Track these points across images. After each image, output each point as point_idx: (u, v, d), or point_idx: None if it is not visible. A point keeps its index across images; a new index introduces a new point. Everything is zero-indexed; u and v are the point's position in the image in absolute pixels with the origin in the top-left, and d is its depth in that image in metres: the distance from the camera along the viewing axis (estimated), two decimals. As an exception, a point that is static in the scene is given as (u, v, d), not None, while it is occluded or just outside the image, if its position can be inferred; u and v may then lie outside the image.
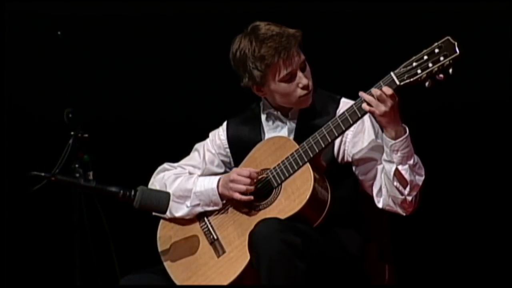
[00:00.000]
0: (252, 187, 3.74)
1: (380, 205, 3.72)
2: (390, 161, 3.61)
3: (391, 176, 3.62)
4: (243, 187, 3.74)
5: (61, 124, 3.64)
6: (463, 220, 4.72)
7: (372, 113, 3.59)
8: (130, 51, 4.93)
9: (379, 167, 3.71)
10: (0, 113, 4.88)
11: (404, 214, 3.71)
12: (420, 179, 3.64)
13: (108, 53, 4.93)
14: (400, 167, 3.60)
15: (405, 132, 3.59)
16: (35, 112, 4.95)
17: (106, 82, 4.95)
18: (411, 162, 3.60)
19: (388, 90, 3.56)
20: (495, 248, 4.68)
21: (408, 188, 3.63)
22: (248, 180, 3.74)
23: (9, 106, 4.90)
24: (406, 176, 3.61)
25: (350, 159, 3.79)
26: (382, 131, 3.64)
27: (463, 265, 4.72)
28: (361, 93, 3.60)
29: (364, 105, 3.59)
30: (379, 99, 3.55)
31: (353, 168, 3.80)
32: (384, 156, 3.64)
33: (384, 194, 3.69)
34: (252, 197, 3.75)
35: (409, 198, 3.64)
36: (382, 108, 3.55)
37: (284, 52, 3.72)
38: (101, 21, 4.89)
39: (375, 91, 3.57)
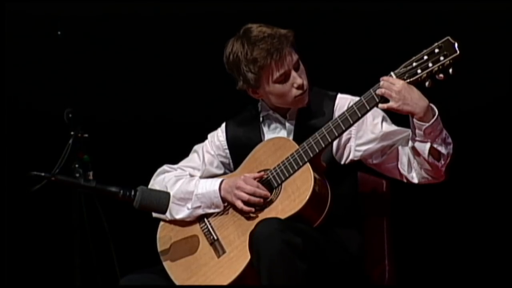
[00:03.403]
0: (256, 199, 3.74)
1: (415, 181, 3.71)
2: (423, 141, 3.61)
3: (426, 154, 3.61)
4: (246, 197, 3.74)
5: (61, 124, 3.63)
6: (464, 220, 4.71)
7: (388, 108, 3.60)
8: (130, 51, 4.92)
9: (398, 147, 3.71)
10: (0, 113, 4.88)
11: (438, 182, 3.72)
12: (450, 148, 3.65)
13: (108, 53, 4.92)
14: (435, 145, 3.60)
15: (435, 112, 3.59)
16: (35, 112, 4.95)
17: (106, 82, 4.95)
18: (443, 135, 3.62)
19: (386, 78, 3.59)
20: (495, 248, 4.68)
21: (443, 160, 3.64)
22: (254, 190, 3.74)
23: (9, 106, 4.90)
24: (442, 150, 3.61)
25: (358, 154, 3.78)
26: (411, 117, 3.62)
27: (463, 265, 4.72)
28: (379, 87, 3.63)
29: (381, 105, 3.60)
30: (385, 87, 3.57)
31: (370, 160, 3.78)
32: (416, 137, 3.61)
33: (416, 168, 3.69)
34: (253, 209, 3.75)
35: (443, 168, 3.66)
36: (395, 98, 3.55)
37: (276, 54, 3.72)
38: (101, 21, 4.88)
39: (381, 83, 3.59)
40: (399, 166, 3.74)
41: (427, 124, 3.57)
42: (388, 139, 3.74)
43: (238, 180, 3.78)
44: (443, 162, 3.64)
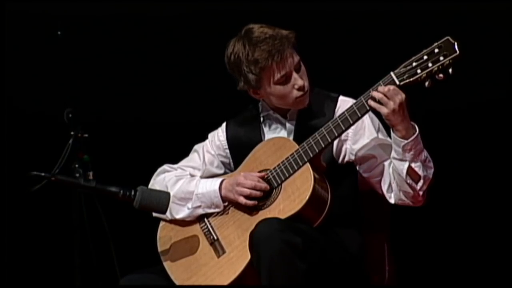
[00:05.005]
0: (257, 192, 3.74)
1: (392, 201, 3.73)
2: (402, 160, 3.61)
3: (404, 174, 3.62)
4: (248, 191, 3.75)
5: (61, 124, 3.63)
6: (464, 219, 4.72)
7: (379, 111, 3.59)
8: (130, 52, 4.93)
9: (386, 163, 3.72)
10: (0, 113, 4.88)
11: (416, 206, 3.72)
12: (430, 172, 3.65)
13: (108, 53, 4.93)
14: (413, 165, 3.61)
15: (415, 130, 3.59)
16: (35, 112, 4.95)
17: (106, 82, 4.95)
18: (422, 157, 3.61)
19: (391, 86, 3.56)
20: (496, 248, 4.68)
21: (421, 183, 3.64)
22: (254, 184, 3.74)
23: (9, 106, 4.90)
24: (420, 172, 3.62)
25: (352, 157, 3.79)
26: (392, 131, 3.62)
27: (463, 264, 4.72)
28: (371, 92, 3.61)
29: (371, 102, 3.59)
30: (387, 96, 3.56)
31: (357, 166, 3.80)
32: (395, 155, 3.63)
33: (395, 190, 3.70)
34: (256, 202, 3.75)
35: (421, 192, 3.65)
36: (391, 105, 3.55)
37: (278, 55, 3.72)
38: (101, 21, 4.89)
39: (382, 88, 3.58)
40: (381, 182, 3.75)
41: (406, 141, 3.58)
42: (380, 149, 3.74)
43: (238, 177, 3.79)
44: (421, 185, 3.64)
